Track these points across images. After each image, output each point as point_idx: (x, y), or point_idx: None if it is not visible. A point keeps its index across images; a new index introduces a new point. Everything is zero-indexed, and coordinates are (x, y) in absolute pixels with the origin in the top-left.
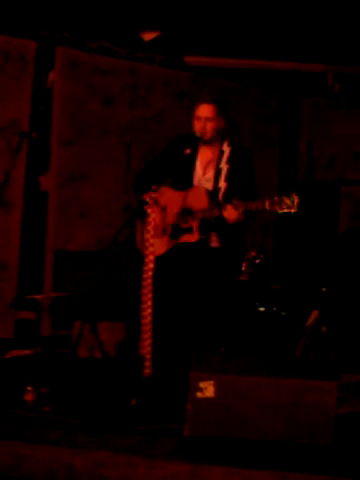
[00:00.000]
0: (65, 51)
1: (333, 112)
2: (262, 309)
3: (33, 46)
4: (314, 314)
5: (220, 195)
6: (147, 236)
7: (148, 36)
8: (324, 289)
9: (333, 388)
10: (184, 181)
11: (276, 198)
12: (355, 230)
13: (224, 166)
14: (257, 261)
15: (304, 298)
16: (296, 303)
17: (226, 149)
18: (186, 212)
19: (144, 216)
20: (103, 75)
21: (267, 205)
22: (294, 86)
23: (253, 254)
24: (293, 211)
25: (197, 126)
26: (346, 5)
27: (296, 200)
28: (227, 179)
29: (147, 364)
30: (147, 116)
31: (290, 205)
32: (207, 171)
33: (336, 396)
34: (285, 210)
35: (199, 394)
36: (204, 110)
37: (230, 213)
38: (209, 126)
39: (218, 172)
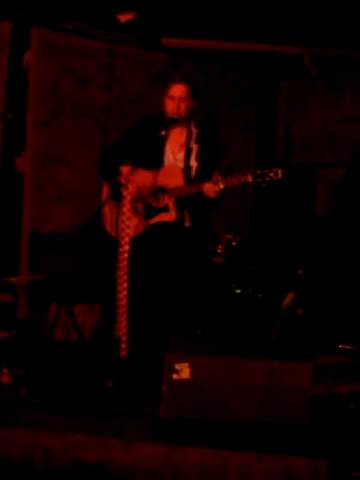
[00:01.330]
0: (40, 32)
1: (310, 95)
2: (238, 291)
3: (8, 27)
4: (290, 296)
5: (192, 174)
6: (123, 218)
7: (124, 17)
8: (300, 271)
9: (309, 370)
10: (155, 162)
11: (259, 171)
12: (331, 212)
13: (194, 146)
14: (233, 243)
15: (280, 280)
16: (272, 285)
17: (194, 129)
18: (160, 191)
19: (119, 198)
20: (79, 56)
21: (250, 178)
22: (271, 69)
23: (229, 236)
24: (279, 179)
25: (170, 106)
26: None
27: (280, 172)
28: (197, 158)
29: (123, 346)
30: (123, 97)
31: (274, 177)
32: (177, 151)
33: (312, 377)
34: (268, 181)
35: (175, 376)
36: (178, 90)
37: (210, 188)
38: (183, 106)
39: (188, 152)
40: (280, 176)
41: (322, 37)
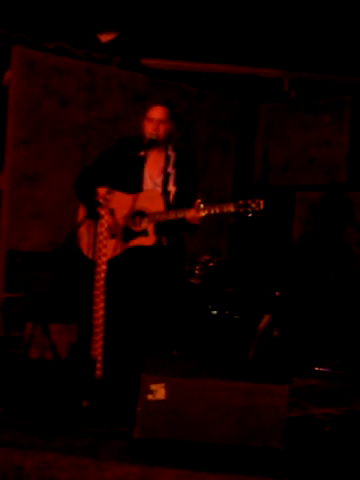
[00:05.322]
0: (21, 50)
1: (289, 117)
2: (215, 312)
3: None
4: (266, 318)
5: (170, 198)
6: (100, 238)
7: (105, 37)
8: (277, 293)
9: (284, 392)
10: (133, 185)
11: (241, 202)
12: (308, 235)
13: (172, 171)
14: (210, 264)
15: (257, 302)
16: (249, 307)
17: (171, 154)
18: (139, 215)
19: (97, 218)
20: (60, 75)
21: (232, 208)
22: (251, 91)
23: (207, 257)
24: (259, 213)
25: (149, 128)
26: (302, 12)
27: (261, 203)
28: (175, 183)
29: (98, 366)
30: (103, 117)
31: (256, 208)
32: (156, 176)
33: (287, 400)
34: (250, 213)
35: (150, 396)
36: (157, 112)
37: (193, 215)
38: (161, 128)
39: (167, 177)
40: (261, 207)
41: (301, 61)
